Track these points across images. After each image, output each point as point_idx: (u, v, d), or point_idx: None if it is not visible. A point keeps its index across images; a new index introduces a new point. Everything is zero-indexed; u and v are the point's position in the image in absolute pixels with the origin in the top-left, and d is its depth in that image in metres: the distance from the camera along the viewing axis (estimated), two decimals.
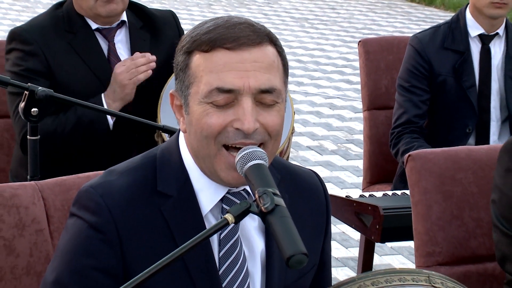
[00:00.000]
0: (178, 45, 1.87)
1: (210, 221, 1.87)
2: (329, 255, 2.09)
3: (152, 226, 1.84)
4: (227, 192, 1.87)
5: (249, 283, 1.89)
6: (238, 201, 1.86)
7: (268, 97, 1.80)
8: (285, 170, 1.99)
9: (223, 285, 1.86)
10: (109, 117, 3.26)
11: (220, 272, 1.87)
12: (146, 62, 3.28)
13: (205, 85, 1.79)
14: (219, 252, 1.87)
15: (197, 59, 1.82)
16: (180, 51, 1.85)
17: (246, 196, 1.88)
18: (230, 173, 1.80)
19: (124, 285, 1.59)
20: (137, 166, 1.90)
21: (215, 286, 1.86)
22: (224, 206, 1.87)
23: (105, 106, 3.24)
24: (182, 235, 1.82)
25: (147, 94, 3.36)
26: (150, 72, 3.27)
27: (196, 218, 1.86)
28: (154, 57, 3.30)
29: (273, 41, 1.85)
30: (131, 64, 3.27)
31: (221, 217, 1.77)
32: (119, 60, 3.39)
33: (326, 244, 2.06)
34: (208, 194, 1.87)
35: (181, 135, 1.91)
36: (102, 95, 3.27)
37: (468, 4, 3.82)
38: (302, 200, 1.98)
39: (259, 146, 1.80)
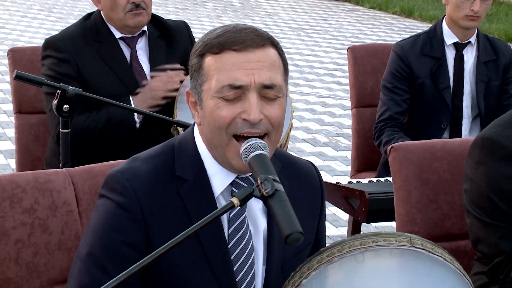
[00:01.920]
0: (192, 50, 1.88)
1: (221, 202, 1.88)
2: (324, 234, 2.09)
3: (171, 206, 1.85)
4: (236, 177, 1.88)
5: (253, 257, 1.89)
6: (246, 185, 1.86)
7: (270, 92, 1.81)
8: (286, 160, 1.99)
9: (232, 257, 1.87)
10: (136, 117, 3.25)
11: (229, 246, 1.87)
12: (176, 74, 3.28)
13: (217, 82, 1.80)
14: (229, 229, 1.88)
15: (209, 60, 1.83)
16: (194, 54, 1.87)
17: (253, 181, 1.87)
18: (240, 161, 1.80)
19: (147, 257, 1.59)
20: (158, 154, 1.91)
21: (225, 258, 1.86)
22: (234, 189, 1.87)
23: (133, 105, 3.24)
24: (197, 214, 1.82)
25: None
26: (178, 82, 3.27)
27: (209, 199, 1.86)
28: (180, 67, 3.30)
29: (274, 44, 1.86)
30: (165, 77, 3.27)
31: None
32: (140, 65, 3.40)
33: (321, 225, 2.06)
34: (219, 178, 1.88)
35: (196, 127, 1.92)
36: (131, 98, 3.26)
37: (444, 16, 3.81)
38: (300, 186, 1.98)
39: (264, 136, 1.81)
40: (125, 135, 3.26)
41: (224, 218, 1.87)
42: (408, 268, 1.78)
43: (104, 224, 1.84)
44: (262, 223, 1.92)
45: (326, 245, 1.95)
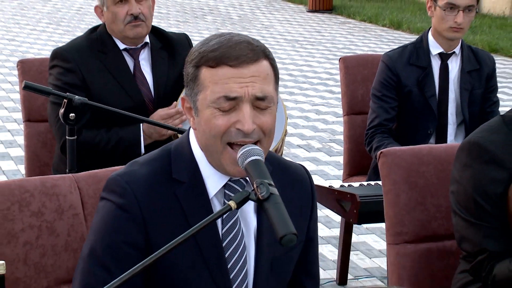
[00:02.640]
0: (187, 57, 1.88)
1: (215, 203, 1.88)
2: (316, 233, 2.08)
3: (169, 206, 1.85)
4: (229, 180, 1.88)
5: (246, 255, 1.89)
6: (238, 187, 1.87)
7: (262, 103, 1.82)
8: (278, 163, 1.99)
9: (226, 255, 1.87)
10: (142, 144, 3.26)
11: (223, 245, 1.87)
12: (178, 115, 3.27)
13: (212, 93, 1.80)
14: (222, 229, 1.88)
15: (205, 72, 1.82)
16: (189, 63, 1.87)
17: (245, 183, 1.88)
18: (235, 167, 1.81)
19: (148, 257, 1.60)
20: (155, 158, 1.91)
21: (220, 256, 1.87)
22: (226, 191, 1.88)
23: (142, 137, 3.25)
24: (192, 214, 1.84)
25: (166, 102, 3.35)
26: (178, 122, 3.26)
27: (204, 200, 1.87)
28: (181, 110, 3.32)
29: (267, 55, 1.85)
30: (166, 115, 3.26)
31: (224, 201, 1.85)
32: (143, 75, 3.40)
33: (312, 224, 2.05)
34: (213, 180, 1.88)
35: (191, 131, 1.92)
36: (141, 127, 3.26)
37: (430, 28, 3.81)
38: (291, 188, 1.97)
39: (256, 143, 1.81)
40: (130, 158, 3.27)
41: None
42: None
43: (105, 225, 1.84)
44: (253, 222, 1.92)
45: (318, 244, 1.95)
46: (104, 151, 3.24)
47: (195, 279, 1.85)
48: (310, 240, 2.04)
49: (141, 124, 3.26)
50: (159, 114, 3.27)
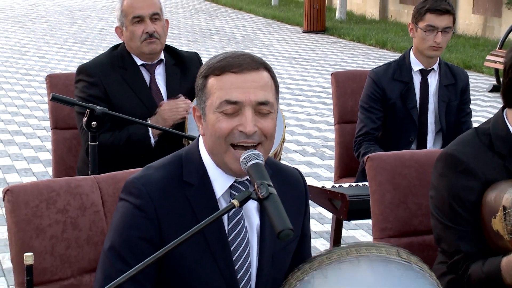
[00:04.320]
0: (198, 72, 1.88)
1: (222, 203, 1.87)
2: (309, 229, 2.07)
3: (180, 206, 1.84)
4: (235, 181, 1.87)
5: (249, 249, 1.88)
6: (243, 188, 1.86)
7: (264, 108, 1.81)
8: (276, 167, 1.98)
9: (231, 249, 1.86)
10: (151, 137, 3.24)
11: (229, 239, 1.86)
12: (185, 105, 3.27)
13: (217, 98, 1.80)
14: (228, 225, 1.87)
15: (212, 80, 1.82)
16: (199, 76, 1.87)
17: (249, 184, 1.87)
18: (237, 165, 1.80)
19: (160, 250, 1.60)
20: (168, 163, 1.90)
21: (225, 249, 1.86)
22: (232, 191, 1.87)
23: (149, 130, 3.23)
24: (201, 213, 1.82)
25: None
26: (185, 113, 3.25)
27: (212, 200, 1.86)
28: (189, 102, 3.28)
29: (267, 67, 1.85)
30: (174, 105, 3.25)
31: (230, 201, 1.81)
32: (158, 88, 3.39)
33: (306, 221, 2.04)
34: (220, 182, 1.87)
35: (201, 139, 1.91)
36: (148, 121, 3.24)
37: (411, 47, 3.81)
38: (288, 189, 1.97)
39: (257, 145, 1.80)
40: (143, 150, 3.25)
41: (225, 215, 1.86)
42: (394, 277, 1.76)
43: (123, 222, 1.83)
44: (255, 220, 1.91)
45: (312, 238, 1.94)
46: (118, 147, 3.23)
47: (203, 270, 1.84)
48: (304, 236, 2.04)
49: (148, 120, 3.25)
50: (169, 104, 3.24)
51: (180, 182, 1.86)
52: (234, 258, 1.86)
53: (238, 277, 1.87)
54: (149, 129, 3.23)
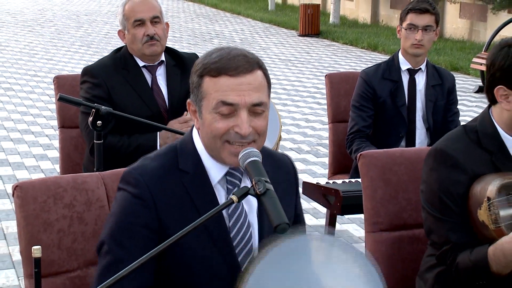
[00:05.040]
0: (193, 68, 1.86)
1: (219, 189, 1.87)
2: (301, 210, 2.07)
3: (177, 194, 1.83)
4: (230, 168, 1.87)
5: (251, 231, 1.87)
6: (238, 174, 1.86)
7: (258, 108, 1.81)
8: (267, 154, 1.96)
9: (233, 233, 1.85)
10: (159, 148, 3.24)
11: (230, 224, 1.85)
12: (191, 123, 3.25)
13: (214, 99, 1.79)
14: (228, 210, 1.86)
15: (208, 81, 1.81)
16: (194, 73, 1.85)
17: (243, 170, 1.86)
18: (232, 159, 1.80)
19: (164, 243, 1.58)
20: (164, 153, 1.90)
21: (224, 234, 1.84)
22: (228, 178, 1.86)
23: (158, 143, 3.21)
24: (199, 199, 1.82)
25: (179, 111, 3.34)
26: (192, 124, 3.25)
27: (207, 187, 1.85)
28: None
29: (260, 66, 1.84)
30: (181, 121, 3.24)
31: (227, 186, 1.83)
32: (159, 88, 3.38)
33: (297, 201, 2.04)
34: (215, 171, 1.86)
35: (194, 130, 1.91)
36: (158, 134, 3.22)
37: (400, 49, 3.81)
38: (278, 172, 1.96)
39: (251, 142, 1.80)
40: None
41: (223, 199, 1.86)
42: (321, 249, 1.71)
43: (121, 210, 1.83)
44: (254, 203, 1.90)
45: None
46: (125, 154, 3.23)
47: (203, 255, 1.83)
48: (297, 216, 2.03)
49: (157, 133, 3.24)
50: (178, 120, 3.26)
51: (176, 170, 1.85)
52: (235, 242, 1.85)
53: (239, 259, 1.85)
54: (158, 142, 3.23)
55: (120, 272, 1.55)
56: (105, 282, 1.54)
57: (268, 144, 2.96)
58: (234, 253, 1.85)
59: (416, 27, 3.64)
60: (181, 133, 3.05)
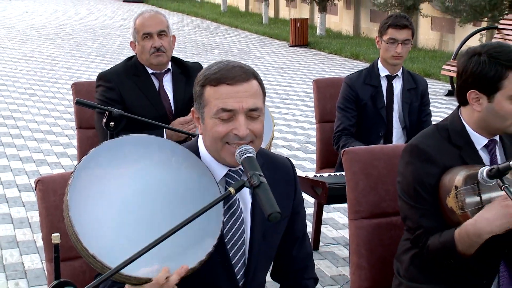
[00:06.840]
0: (195, 79, 1.86)
1: (220, 188, 1.83)
2: (301, 208, 2.04)
3: None
4: (229, 170, 1.85)
5: (244, 227, 1.86)
6: (236, 176, 1.84)
7: (254, 113, 1.79)
8: (267, 157, 1.96)
9: (227, 226, 1.83)
10: None
11: (225, 219, 1.83)
12: (192, 122, 3.23)
13: (214, 106, 1.78)
14: (224, 205, 1.83)
15: (209, 90, 1.80)
16: (197, 84, 1.84)
17: (241, 172, 1.85)
18: (231, 158, 1.79)
19: (158, 237, 1.54)
20: None
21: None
22: (227, 179, 1.85)
23: (165, 136, 3.19)
24: None
25: (183, 114, 3.33)
26: (192, 127, 3.20)
27: None
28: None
29: (255, 76, 1.83)
30: (183, 121, 3.22)
31: (226, 186, 1.81)
32: (166, 93, 3.37)
33: (297, 201, 2.01)
34: (217, 172, 1.84)
35: (200, 137, 1.89)
36: (164, 131, 3.20)
37: (379, 57, 3.80)
38: (278, 175, 1.95)
39: (249, 143, 1.79)
40: None
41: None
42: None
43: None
44: (248, 201, 1.89)
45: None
46: None
47: None
48: (295, 214, 2.01)
49: (164, 130, 3.23)
50: (178, 121, 3.25)
51: None
52: (228, 236, 1.83)
53: (230, 254, 1.84)
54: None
55: (110, 271, 1.50)
56: (101, 276, 1.49)
57: (263, 142, 2.95)
58: (225, 248, 1.83)
59: (396, 41, 3.64)
60: (183, 132, 3.04)
